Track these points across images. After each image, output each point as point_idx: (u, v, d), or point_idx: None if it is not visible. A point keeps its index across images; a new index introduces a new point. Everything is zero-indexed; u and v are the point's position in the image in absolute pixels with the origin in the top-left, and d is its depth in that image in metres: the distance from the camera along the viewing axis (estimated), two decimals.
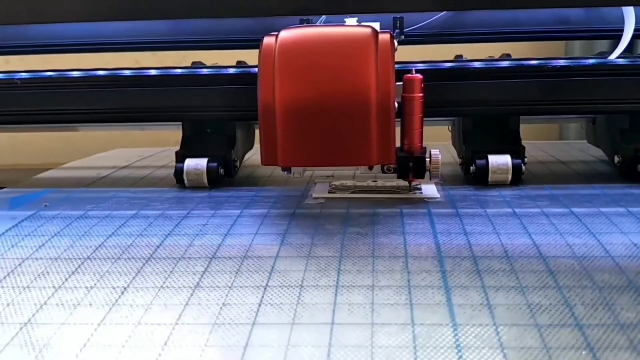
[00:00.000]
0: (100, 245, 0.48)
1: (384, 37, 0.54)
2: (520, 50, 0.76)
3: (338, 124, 0.52)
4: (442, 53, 0.74)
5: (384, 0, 0.60)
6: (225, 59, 0.72)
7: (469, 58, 0.69)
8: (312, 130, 0.53)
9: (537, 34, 0.74)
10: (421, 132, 0.56)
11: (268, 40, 0.54)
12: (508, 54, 0.70)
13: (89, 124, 0.74)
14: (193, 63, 0.72)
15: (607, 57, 0.65)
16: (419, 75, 0.55)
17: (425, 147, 0.57)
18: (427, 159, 0.56)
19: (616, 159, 0.66)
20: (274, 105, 0.52)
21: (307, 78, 0.52)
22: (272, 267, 0.43)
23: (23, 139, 1.18)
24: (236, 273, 0.42)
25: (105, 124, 0.76)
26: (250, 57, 0.71)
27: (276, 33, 0.55)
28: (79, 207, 0.58)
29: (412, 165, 0.56)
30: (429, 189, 0.61)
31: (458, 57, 0.71)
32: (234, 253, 0.46)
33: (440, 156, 0.56)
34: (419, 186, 0.61)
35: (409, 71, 0.56)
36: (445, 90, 0.62)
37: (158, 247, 0.47)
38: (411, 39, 0.68)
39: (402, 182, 0.60)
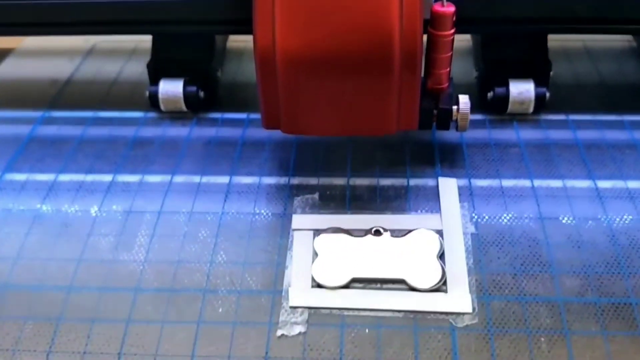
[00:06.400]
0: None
1: None
2: None
3: (351, 81, 0.42)
4: None
5: None
6: None
7: None
8: (321, 88, 0.43)
9: None
10: (449, 72, 0.47)
11: None
12: None
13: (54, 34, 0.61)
14: None
15: None
16: (451, 8, 0.44)
17: (452, 87, 0.48)
18: (455, 108, 0.48)
19: None
20: (274, 53, 0.41)
21: (315, 20, 0.41)
22: None
23: None
24: None
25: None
26: None
27: None
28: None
29: (437, 114, 0.48)
30: (460, 297, 0.40)
31: None
32: None
33: (469, 105, 0.48)
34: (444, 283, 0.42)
35: None
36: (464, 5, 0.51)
37: None
38: None
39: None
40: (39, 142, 0.55)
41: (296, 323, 0.40)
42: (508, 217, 0.46)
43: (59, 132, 0.56)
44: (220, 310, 0.41)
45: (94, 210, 0.48)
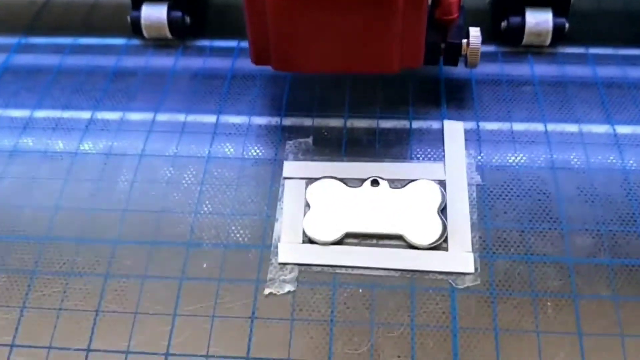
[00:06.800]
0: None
1: None
2: None
3: (349, 12, 0.38)
4: None
5: None
6: None
7: None
8: (316, 20, 0.38)
9: None
10: (460, 1, 0.42)
11: None
12: None
13: None
14: None
15: None
16: None
17: (462, 18, 0.43)
18: (464, 42, 0.43)
19: None
20: None
21: None
22: None
23: None
24: None
25: None
26: None
27: None
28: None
29: (444, 49, 0.43)
30: (462, 255, 0.37)
31: None
32: None
33: (480, 40, 0.43)
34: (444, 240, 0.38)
35: None
36: None
37: None
38: None
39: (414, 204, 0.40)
40: (14, 73, 0.50)
41: (285, 281, 0.37)
42: (517, 166, 0.42)
43: (35, 61, 0.51)
44: (204, 265, 0.38)
45: (71, 152, 0.44)
